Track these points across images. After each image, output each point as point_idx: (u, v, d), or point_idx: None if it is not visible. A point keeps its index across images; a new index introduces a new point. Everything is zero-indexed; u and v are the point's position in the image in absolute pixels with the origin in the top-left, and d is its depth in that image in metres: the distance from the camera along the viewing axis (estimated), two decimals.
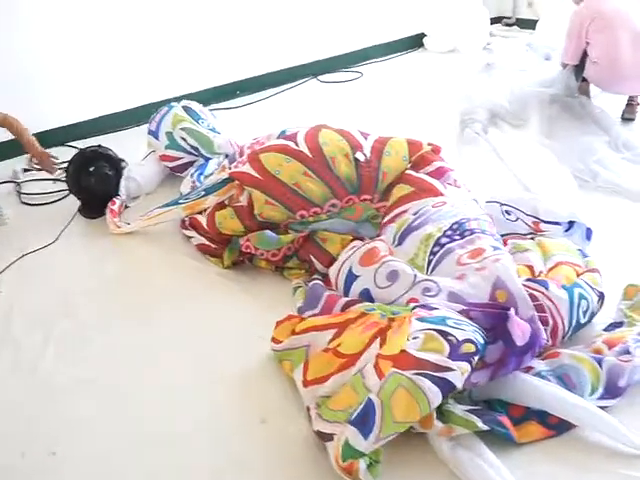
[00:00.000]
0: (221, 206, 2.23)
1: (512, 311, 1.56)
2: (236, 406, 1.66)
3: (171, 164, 2.70)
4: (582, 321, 1.72)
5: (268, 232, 2.08)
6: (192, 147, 2.64)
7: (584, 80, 3.10)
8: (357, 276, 1.85)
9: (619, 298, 1.86)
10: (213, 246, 2.22)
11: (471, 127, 2.95)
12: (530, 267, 1.85)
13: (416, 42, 4.29)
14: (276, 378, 1.71)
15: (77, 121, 3.18)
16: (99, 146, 2.55)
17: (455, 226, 1.87)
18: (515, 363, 1.54)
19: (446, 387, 1.42)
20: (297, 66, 3.80)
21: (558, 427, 1.52)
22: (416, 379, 1.41)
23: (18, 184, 2.80)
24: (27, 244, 2.37)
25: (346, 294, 1.86)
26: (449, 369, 1.43)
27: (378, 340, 1.57)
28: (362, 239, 2.05)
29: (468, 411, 1.48)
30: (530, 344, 1.56)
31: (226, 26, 3.47)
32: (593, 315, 1.76)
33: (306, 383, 1.61)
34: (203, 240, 2.24)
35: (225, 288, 2.09)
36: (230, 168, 2.30)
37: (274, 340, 1.76)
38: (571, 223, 2.08)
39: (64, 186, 2.69)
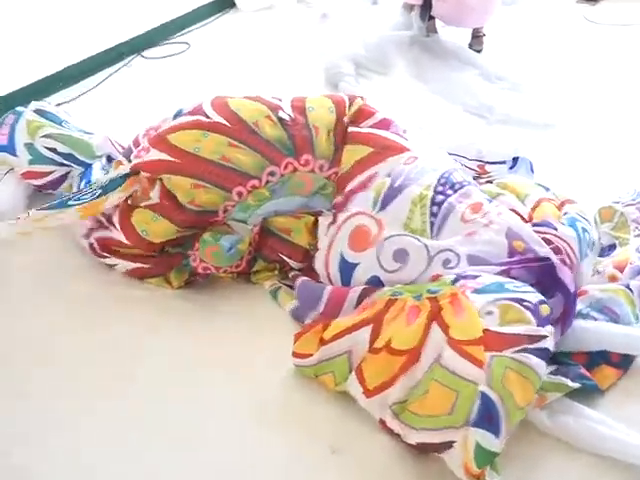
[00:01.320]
0: (129, 211, 1.87)
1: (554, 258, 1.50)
2: (292, 444, 1.41)
3: (39, 181, 2.22)
4: (588, 254, 1.72)
5: (222, 243, 1.77)
6: (64, 156, 2.19)
7: (431, 18, 3.11)
8: (355, 264, 1.66)
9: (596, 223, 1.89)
10: (147, 266, 1.87)
11: (345, 81, 2.82)
12: (515, 212, 1.79)
13: (227, 3, 4.01)
14: (315, 398, 1.49)
15: None
16: None
17: (442, 180, 1.74)
18: (575, 310, 1.48)
19: (545, 356, 1.33)
20: (116, 45, 3.35)
21: (623, 364, 1.50)
22: (520, 357, 1.29)
23: None
24: None
25: (346, 286, 1.67)
26: (543, 337, 1.33)
27: (435, 325, 1.42)
28: (318, 214, 1.85)
29: (550, 374, 1.41)
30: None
31: (19, 19, 2.92)
32: (594, 245, 1.76)
33: (368, 393, 1.41)
34: (133, 264, 1.87)
35: (190, 313, 1.77)
36: (130, 160, 1.93)
37: (299, 355, 1.52)
38: (515, 160, 2.07)
39: None
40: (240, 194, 1.81)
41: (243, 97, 1.99)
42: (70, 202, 1.89)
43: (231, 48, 3.50)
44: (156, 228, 1.82)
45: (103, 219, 1.93)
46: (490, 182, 1.97)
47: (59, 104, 2.90)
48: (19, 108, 2.28)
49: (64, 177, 2.22)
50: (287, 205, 1.88)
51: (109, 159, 2.19)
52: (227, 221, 1.83)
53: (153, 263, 1.86)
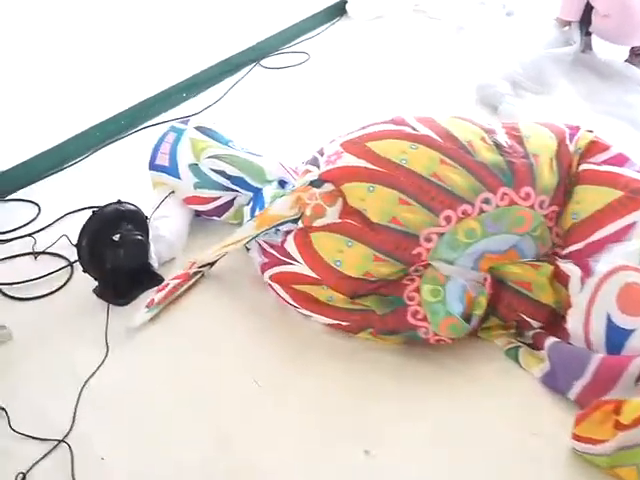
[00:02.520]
0: (304, 236, 1.65)
1: None
2: None
3: (205, 207, 2.00)
4: None
5: (454, 309, 1.53)
6: (233, 180, 1.96)
7: (588, 34, 2.86)
8: (629, 330, 1.41)
9: None
10: (345, 323, 1.62)
11: (507, 102, 2.57)
12: None
13: (339, 11, 3.78)
14: None
15: None
16: (119, 202, 1.78)
17: None
18: None
19: None
20: (234, 55, 3.13)
21: None
22: None
23: None
24: (67, 365, 1.60)
25: (613, 353, 1.42)
26: None
27: None
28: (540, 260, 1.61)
29: None
30: None
31: (144, 31, 2.70)
32: None
33: None
34: (325, 319, 1.64)
35: (405, 368, 1.53)
36: (319, 167, 1.71)
37: (584, 440, 1.28)
38: None
39: (56, 262, 1.92)
40: (448, 219, 1.57)
41: (450, 116, 1.77)
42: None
43: (351, 58, 3.26)
44: (354, 256, 1.58)
45: (276, 252, 1.70)
46: None
47: (186, 117, 2.70)
48: (178, 124, 2.07)
49: (231, 203, 1.99)
50: (499, 244, 1.63)
51: (281, 184, 1.96)
52: (431, 261, 1.59)
53: (353, 321, 1.62)
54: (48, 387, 1.55)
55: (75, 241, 1.75)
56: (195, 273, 1.83)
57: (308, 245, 1.62)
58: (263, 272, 1.73)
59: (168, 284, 1.77)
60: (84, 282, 1.81)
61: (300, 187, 1.69)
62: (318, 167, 1.72)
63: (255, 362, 1.59)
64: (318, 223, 1.63)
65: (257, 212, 1.84)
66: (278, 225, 1.71)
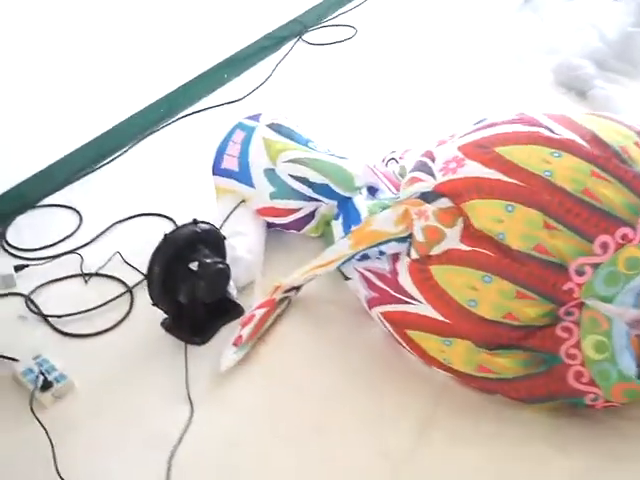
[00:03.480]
0: (422, 267, 1.35)
1: None
2: None
3: (283, 220, 1.71)
4: None
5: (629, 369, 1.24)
6: (316, 188, 1.67)
7: None
8: None
9: None
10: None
11: (597, 86, 2.28)
12: None
13: None
14: None
15: None
16: (195, 222, 1.49)
17: None
18: None
19: None
20: (275, 30, 2.80)
21: None
22: None
23: (29, 299, 1.64)
24: (145, 427, 1.33)
25: None
26: None
27: None
28: None
29: None
30: None
31: (177, 8, 2.36)
32: None
33: None
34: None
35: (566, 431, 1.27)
36: (433, 176, 1.40)
37: None
38: None
39: (110, 286, 1.64)
40: (605, 247, 1.27)
41: (584, 114, 1.49)
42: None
43: (403, 32, 2.94)
44: (490, 293, 1.29)
45: (387, 287, 1.42)
46: None
47: (231, 102, 2.40)
48: (246, 121, 1.76)
49: (312, 215, 1.71)
50: None
51: (370, 191, 1.68)
52: (585, 299, 1.31)
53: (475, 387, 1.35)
54: (128, 458, 1.28)
55: (144, 267, 1.48)
56: (281, 300, 1.56)
57: (430, 282, 1.33)
58: (371, 307, 1.45)
59: (254, 315, 1.50)
60: (148, 312, 1.53)
61: (409, 199, 1.41)
62: (432, 176, 1.42)
63: (371, 420, 1.32)
64: (436, 251, 1.34)
65: (352, 227, 1.56)
66: (380, 244, 1.43)
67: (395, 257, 1.42)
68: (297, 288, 1.58)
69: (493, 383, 1.30)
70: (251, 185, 1.68)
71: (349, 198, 1.67)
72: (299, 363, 1.45)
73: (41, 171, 1.98)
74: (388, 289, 1.40)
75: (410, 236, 1.39)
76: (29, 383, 1.39)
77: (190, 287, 1.44)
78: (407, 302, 1.36)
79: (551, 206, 1.28)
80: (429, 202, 1.37)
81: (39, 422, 1.30)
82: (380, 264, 1.45)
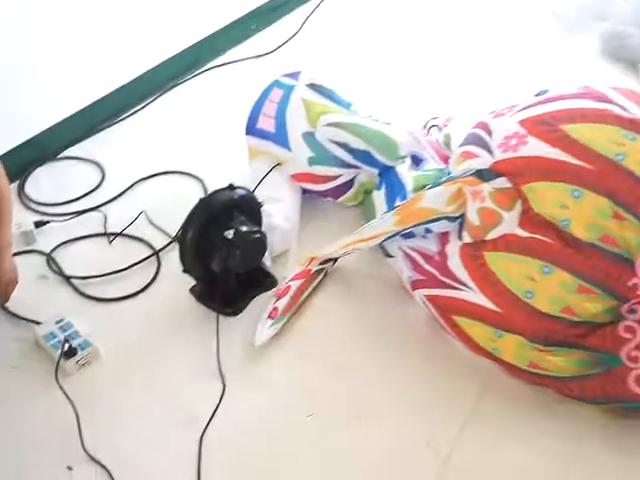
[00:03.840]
0: (475, 252, 1.26)
1: None
2: None
3: (320, 187, 1.62)
4: None
5: None
6: (357, 154, 1.58)
7: None
8: None
9: None
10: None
11: None
12: None
13: None
14: None
15: None
16: (231, 186, 1.40)
17: None
18: None
19: None
20: None
21: None
22: None
23: (50, 257, 1.55)
24: (172, 403, 1.26)
25: None
26: None
27: None
28: None
29: None
30: None
31: None
32: None
33: None
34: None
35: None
36: (490, 152, 1.29)
37: None
38: None
39: (134, 247, 1.56)
40: None
41: None
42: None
43: None
44: (548, 285, 1.19)
45: (435, 270, 1.33)
46: None
47: (260, 56, 2.27)
48: (285, 79, 1.65)
49: (351, 183, 1.61)
50: None
51: (414, 160, 1.58)
52: None
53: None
54: (155, 437, 1.21)
55: (176, 230, 1.43)
56: (317, 271, 1.47)
57: (483, 268, 1.24)
58: (414, 289, 1.37)
59: (290, 287, 1.42)
60: (176, 277, 1.45)
61: (464, 178, 1.31)
62: (489, 151, 1.31)
63: (413, 407, 1.25)
64: (492, 235, 1.24)
65: (398, 201, 1.47)
66: (428, 223, 1.34)
67: (444, 237, 1.33)
68: (334, 260, 1.50)
69: (545, 379, 1.23)
70: (288, 148, 1.58)
71: (392, 167, 1.57)
72: (336, 341, 1.37)
73: (61, 122, 1.88)
74: (435, 272, 1.31)
75: (462, 216, 1.30)
76: (52, 349, 1.31)
77: (224, 256, 1.35)
78: (456, 288, 1.27)
79: (621, 193, 1.19)
80: (484, 180, 1.27)
81: (64, 393, 1.23)
82: (427, 244, 1.36)
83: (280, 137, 1.59)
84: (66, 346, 1.30)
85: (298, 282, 1.43)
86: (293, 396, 1.28)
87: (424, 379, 1.29)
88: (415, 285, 1.36)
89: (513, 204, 1.23)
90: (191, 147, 1.89)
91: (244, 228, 1.35)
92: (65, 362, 1.29)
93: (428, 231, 1.36)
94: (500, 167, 1.27)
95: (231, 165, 1.75)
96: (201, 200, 1.35)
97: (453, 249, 1.29)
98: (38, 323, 1.38)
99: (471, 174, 1.29)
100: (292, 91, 1.61)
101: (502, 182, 1.26)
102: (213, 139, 1.90)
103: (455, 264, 1.28)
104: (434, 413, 1.23)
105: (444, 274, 1.29)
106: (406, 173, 1.54)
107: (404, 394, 1.27)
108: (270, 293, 1.45)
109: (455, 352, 1.32)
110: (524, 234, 1.21)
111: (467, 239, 1.26)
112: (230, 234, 1.34)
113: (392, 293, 1.44)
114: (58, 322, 1.37)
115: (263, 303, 1.43)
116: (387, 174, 1.57)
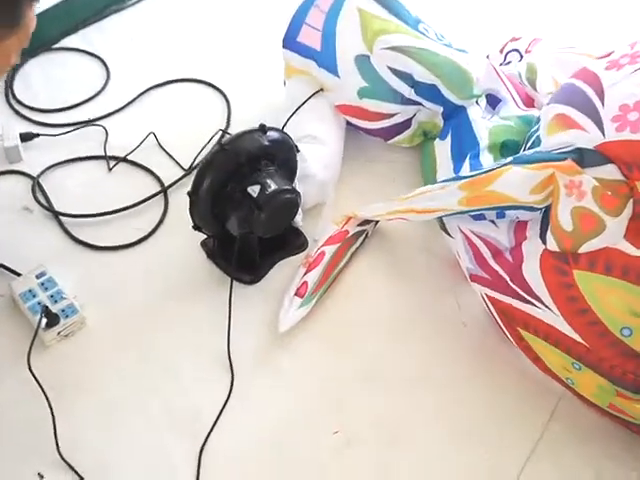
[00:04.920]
0: (565, 266, 0.93)
1: None
2: None
3: (370, 124, 1.31)
4: None
5: None
6: (420, 88, 1.25)
7: None
8: None
9: None
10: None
11: None
12: None
13: None
14: None
15: None
16: (262, 128, 1.09)
17: None
18: None
19: None
20: None
21: None
22: None
23: (37, 183, 1.29)
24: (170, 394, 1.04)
25: None
26: None
27: None
28: None
29: None
30: None
31: None
32: None
33: None
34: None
35: None
36: (603, 127, 0.93)
37: None
38: None
39: (138, 178, 1.31)
40: None
41: None
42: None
43: None
44: None
45: (505, 273, 1.03)
46: None
47: None
48: None
49: (408, 123, 1.30)
50: None
51: (490, 100, 1.26)
52: None
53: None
54: (148, 439, 0.99)
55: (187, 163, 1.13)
56: (356, 234, 1.20)
57: (571, 291, 0.93)
58: (473, 281, 1.09)
59: (323, 254, 1.15)
60: (185, 223, 1.17)
61: (559, 162, 0.97)
62: (597, 123, 0.95)
63: (463, 425, 1.02)
64: (588, 248, 0.91)
65: (468, 163, 1.16)
66: (502, 209, 1.04)
67: (520, 231, 1.02)
68: (376, 220, 1.22)
69: (629, 424, 0.98)
70: (335, 73, 1.26)
71: (461, 108, 1.25)
72: (374, 329, 1.12)
73: (58, 4, 1.54)
74: (504, 275, 1.02)
75: (548, 208, 0.99)
76: (30, 312, 1.08)
77: (245, 216, 1.08)
78: (530, 302, 0.98)
79: None
80: (584, 165, 0.94)
81: (36, 380, 1.00)
82: (497, 234, 1.05)
83: (326, 58, 1.26)
84: (44, 318, 1.05)
85: (333, 248, 1.17)
86: (315, 402, 1.04)
87: (477, 390, 1.05)
88: (475, 279, 1.08)
89: (622, 207, 0.91)
90: (214, 52, 1.57)
91: (273, 185, 1.06)
92: (44, 332, 1.05)
93: (500, 215, 1.06)
94: (611, 150, 0.92)
95: (260, 80, 1.45)
96: (222, 145, 1.06)
97: (532, 251, 0.98)
98: (16, 274, 1.13)
99: (568, 151, 0.97)
100: None
101: (610, 172, 0.91)
102: (241, 45, 1.58)
103: (532, 273, 0.97)
104: (488, 436, 1.00)
105: (516, 281, 1.00)
106: (480, 120, 1.22)
107: (456, 412, 1.03)
108: (298, 257, 1.19)
109: (521, 363, 1.07)
110: (633, 251, 0.89)
111: (552, 246, 0.95)
112: (255, 191, 1.06)
113: (447, 276, 1.17)
114: (39, 276, 1.12)
115: (289, 268, 1.17)
116: (455, 117, 1.25)
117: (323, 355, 1.09)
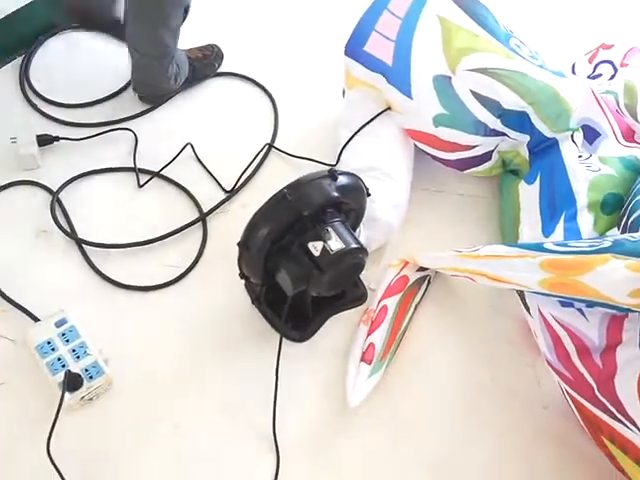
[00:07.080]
0: None
1: None
2: None
3: (445, 155, 1.13)
4: None
5: None
6: (507, 118, 1.07)
7: None
8: None
9: None
10: None
11: None
12: None
13: None
14: None
15: None
16: (331, 173, 0.92)
17: None
18: None
19: None
20: None
21: None
22: None
23: (56, 198, 1.12)
24: None
25: None
26: None
27: None
28: None
29: None
30: None
31: None
32: None
33: None
34: None
35: None
36: None
37: None
38: None
39: (172, 202, 1.13)
40: None
41: None
42: (546, 245, 0.89)
43: None
44: None
45: (593, 380, 0.86)
46: None
47: None
48: None
49: (488, 155, 1.12)
50: None
51: (586, 133, 1.09)
52: None
53: None
54: None
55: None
56: (418, 280, 1.05)
57: None
58: (552, 371, 0.93)
59: (385, 307, 1.00)
60: (226, 255, 1.01)
61: None
62: None
63: None
64: None
65: (559, 234, 0.99)
66: (594, 304, 0.87)
67: (616, 327, 0.86)
68: None
69: None
70: (407, 94, 1.08)
71: (552, 141, 1.07)
72: (440, 408, 0.98)
73: None
74: (592, 382, 0.86)
75: None
76: (48, 370, 0.93)
77: (303, 275, 0.92)
78: (620, 421, 0.83)
79: None
80: None
81: (56, 469, 0.86)
82: (586, 328, 0.88)
83: (398, 75, 1.07)
84: (67, 379, 0.91)
85: (395, 300, 1.02)
86: None
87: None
88: (555, 371, 0.92)
89: None
90: (262, 49, 1.38)
91: (337, 244, 0.90)
92: (66, 399, 0.91)
93: (590, 304, 0.89)
94: None
95: (314, 85, 1.26)
96: (286, 194, 0.88)
97: (628, 362, 0.82)
98: (33, 317, 0.98)
99: None
100: (424, 5, 1.06)
101: None
102: (295, 44, 1.37)
103: (626, 390, 0.81)
104: None
105: (604, 393, 0.84)
106: (577, 168, 1.04)
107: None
108: (357, 311, 1.03)
109: (586, 448, 0.93)
110: None
111: None
112: (317, 249, 0.90)
113: (525, 345, 1.02)
114: (59, 324, 0.97)
115: (343, 320, 1.03)
116: (545, 154, 1.08)
117: (381, 437, 0.95)
